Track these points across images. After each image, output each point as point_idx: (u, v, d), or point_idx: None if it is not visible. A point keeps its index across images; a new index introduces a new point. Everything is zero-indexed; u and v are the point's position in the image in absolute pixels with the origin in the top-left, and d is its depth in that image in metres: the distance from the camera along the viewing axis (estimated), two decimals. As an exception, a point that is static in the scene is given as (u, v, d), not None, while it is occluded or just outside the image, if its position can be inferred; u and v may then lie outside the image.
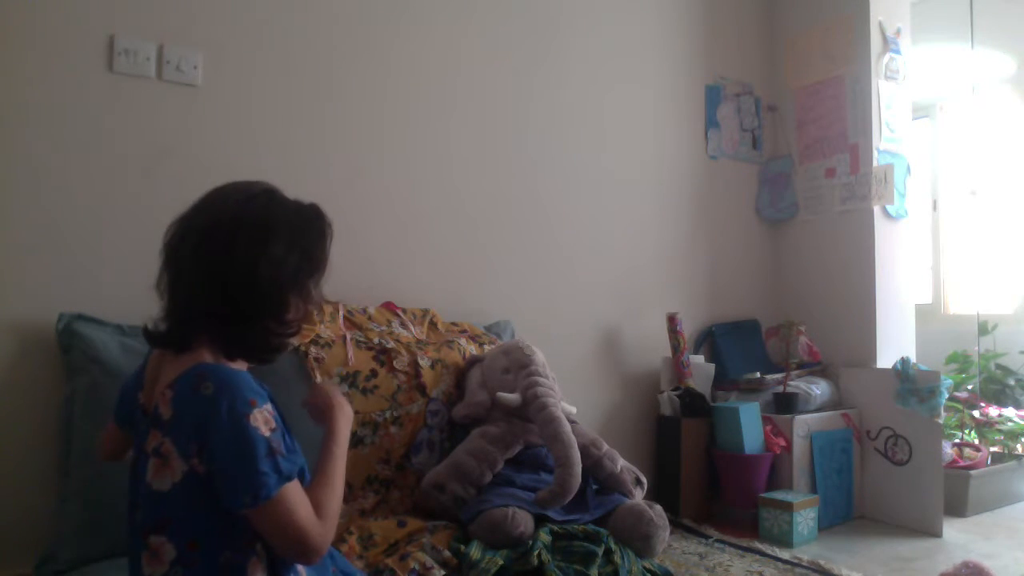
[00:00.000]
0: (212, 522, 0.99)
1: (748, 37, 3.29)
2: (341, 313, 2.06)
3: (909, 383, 2.63)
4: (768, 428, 2.61)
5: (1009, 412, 3.11)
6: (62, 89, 1.80)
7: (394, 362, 2.01)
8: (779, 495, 2.44)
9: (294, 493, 1.00)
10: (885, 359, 2.85)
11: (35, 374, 1.73)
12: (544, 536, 1.69)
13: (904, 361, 2.67)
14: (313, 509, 1.02)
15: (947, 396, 2.62)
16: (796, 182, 3.19)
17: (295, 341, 1.19)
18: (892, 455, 2.68)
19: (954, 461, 2.80)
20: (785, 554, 2.22)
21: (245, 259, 1.04)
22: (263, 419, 0.98)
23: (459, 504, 1.85)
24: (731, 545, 2.31)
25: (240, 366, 1.09)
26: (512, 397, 1.94)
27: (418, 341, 2.13)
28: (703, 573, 2.03)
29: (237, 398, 0.97)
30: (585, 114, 2.76)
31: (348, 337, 1.98)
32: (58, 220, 1.79)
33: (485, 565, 1.60)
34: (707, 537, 2.37)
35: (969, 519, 2.69)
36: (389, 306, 2.21)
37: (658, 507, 1.90)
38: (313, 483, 1.08)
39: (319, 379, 1.81)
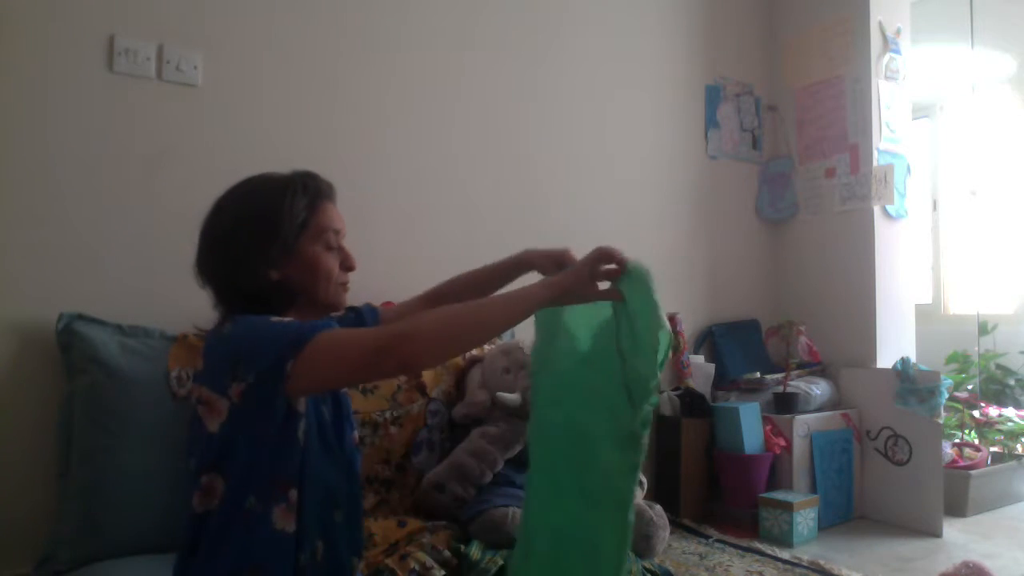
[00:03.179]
0: (246, 462, 1.03)
1: (748, 37, 3.29)
2: (341, 313, 2.06)
3: (909, 383, 2.63)
4: (768, 428, 2.60)
5: (1009, 412, 3.11)
6: (62, 89, 1.80)
7: (394, 362, 2.00)
8: (779, 495, 2.44)
9: (340, 330, 1.04)
10: (885, 359, 2.85)
11: (35, 374, 1.72)
12: (544, 536, 1.68)
13: (904, 361, 2.67)
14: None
15: (947, 396, 2.62)
16: (796, 182, 3.19)
17: (332, 295, 1.19)
18: (892, 455, 2.68)
19: (954, 461, 2.80)
20: (785, 554, 2.22)
21: (208, 251, 1.15)
22: (285, 320, 1.05)
23: (459, 504, 1.85)
24: (731, 545, 2.31)
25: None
26: (512, 397, 1.94)
27: (418, 341, 2.13)
28: (703, 573, 2.03)
29: (253, 318, 1.06)
30: (585, 114, 2.76)
31: (348, 337, 1.98)
32: (58, 220, 1.79)
33: (485, 565, 1.60)
34: (707, 537, 2.37)
35: (969, 519, 2.69)
36: (389, 306, 2.21)
37: (658, 507, 1.90)
38: None
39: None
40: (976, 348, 3.47)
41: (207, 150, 1.97)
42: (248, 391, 1.01)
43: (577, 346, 1.25)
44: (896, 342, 2.93)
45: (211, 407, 1.05)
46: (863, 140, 2.95)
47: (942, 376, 2.59)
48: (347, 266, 1.20)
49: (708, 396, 2.74)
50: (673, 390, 2.71)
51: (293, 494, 1.05)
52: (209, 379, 1.06)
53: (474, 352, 2.20)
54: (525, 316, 1.09)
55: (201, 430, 1.06)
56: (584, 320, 1.24)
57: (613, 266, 1.15)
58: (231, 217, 1.14)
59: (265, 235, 1.12)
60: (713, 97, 3.14)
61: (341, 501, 1.15)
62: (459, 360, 2.15)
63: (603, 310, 1.21)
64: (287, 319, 1.05)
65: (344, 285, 1.20)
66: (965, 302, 3.88)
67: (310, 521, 1.08)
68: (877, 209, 2.92)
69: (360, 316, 1.35)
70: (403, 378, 2.01)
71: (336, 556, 1.13)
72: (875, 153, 2.93)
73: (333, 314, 1.32)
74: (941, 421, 2.60)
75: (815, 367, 2.93)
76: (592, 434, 1.18)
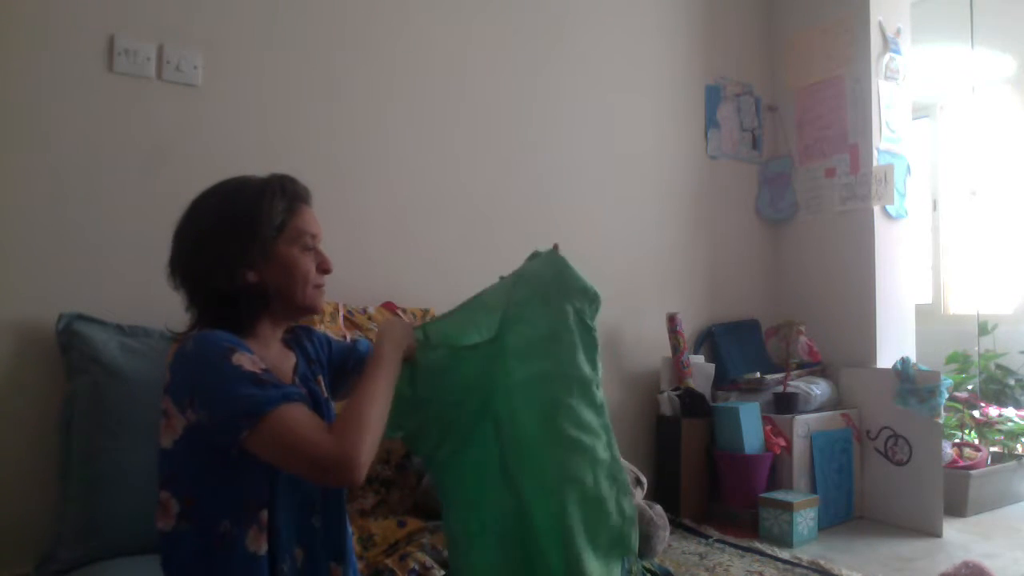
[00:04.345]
0: (211, 481, 1.03)
1: (748, 37, 3.29)
2: (341, 313, 2.06)
3: (909, 383, 2.63)
4: (768, 428, 2.60)
5: (1009, 412, 3.11)
6: (62, 89, 1.80)
7: (394, 362, 2.00)
8: (779, 495, 2.44)
9: (297, 411, 1.00)
10: (885, 359, 2.85)
11: (35, 374, 1.72)
12: (544, 536, 1.68)
13: (904, 361, 2.67)
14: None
15: (947, 396, 2.62)
16: (796, 182, 3.19)
17: (312, 299, 1.21)
18: (892, 455, 2.68)
19: (954, 461, 2.80)
20: (785, 554, 2.22)
21: (184, 252, 1.14)
22: (247, 359, 1.02)
23: (459, 504, 1.85)
24: (731, 545, 2.31)
25: (274, 332, 1.18)
26: (512, 397, 1.94)
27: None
28: (703, 573, 2.03)
29: (213, 345, 1.03)
30: (586, 114, 2.76)
31: (348, 337, 1.98)
32: (58, 220, 1.79)
33: (485, 565, 1.59)
34: (707, 537, 2.37)
35: (969, 519, 2.69)
36: (389, 306, 2.21)
37: (658, 507, 1.90)
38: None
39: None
40: (976, 348, 3.47)
41: (207, 150, 1.97)
42: (201, 427, 1.01)
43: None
44: (896, 342, 2.93)
45: (169, 421, 1.04)
46: (863, 140, 2.96)
47: (942, 376, 2.59)
48: (323, 269, 1.19)
49: (708, 396, 2.74)
50: (673, 390, 2.71)
51: (264, 515, 1.05)
52: (173, 393, 1.05)
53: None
54: (395, 376, 1.16)
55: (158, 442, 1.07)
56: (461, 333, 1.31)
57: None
58: (209, 218, 1.13)
59: (244, 236, 1.11)
60: (713, 97, 3.14)
61: (318, 507, 1.14)
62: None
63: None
64: (245, 368, 1.01)
65: (320, 288, 1.19)
66: (965, 302, 3.88)
67: (284, 533, 1.07)
68: (877, 209, 2.92)
69: (355, 348, 1.35)
70: (403, 378, 2.01)
71: (314, 561, 1.12)
72: (875, 153, 2.93)
73: (333, 337, 1.32)
74: (941, 421, 2.60)
75: (815, 367, 2.93)
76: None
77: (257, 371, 1.01)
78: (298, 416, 0.99)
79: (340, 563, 1.16)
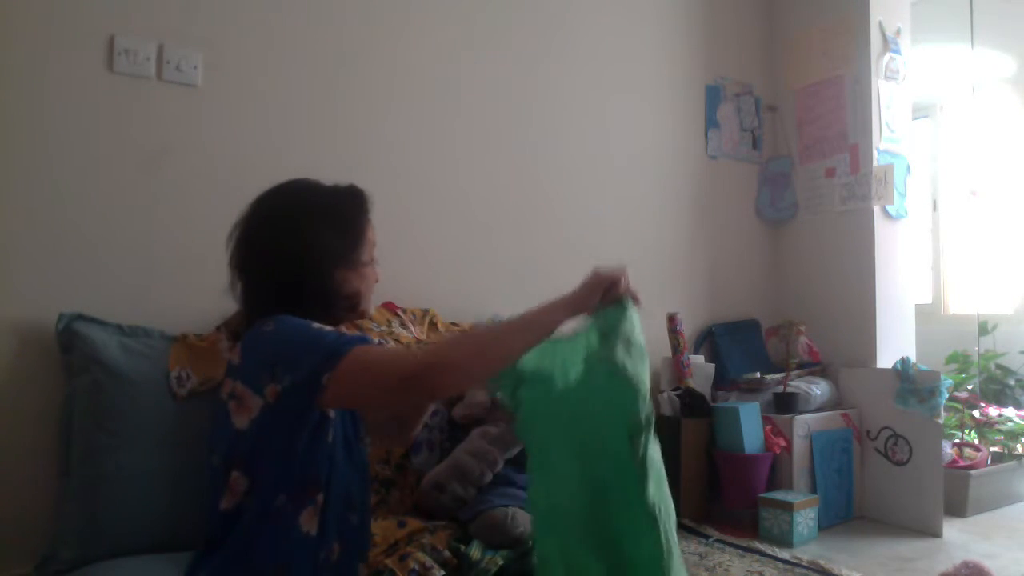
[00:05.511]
0: (280, 459, 1.05)
1: (748, 37, 3.29)
2: (341, 313, 2.07)
3: (909, 383, 2.63)
4: (768, 428, 2.60)
5: (1009, 412, 3.10)
6: (62, 89, 1.80)
7: (394, 362, 2.01)
8: (779, 495, 2.44)
9: (375, 347, 1.05)
10: (885, 359, 2.85)
11: (35, 374, 1.73)
12: (544, 536, 1.68)
13: (904, 361, 2.67)
14: None
15: (947, 396, 2.62)
16: (796, 182, 3.19)
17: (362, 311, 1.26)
18: (892, 455, 2.68)
19: (954, 461, 2.80)
20: (785, 554, 2.22)
21: (286, 247, 1.15)
22: (327, 326, 1.07)
23: (459, 504, 1.85)
24: (731, 545, 2.31)
25: None
26: (512, 397, 1.94)
27: (418, 341, 2.13)
28: (703, 573, 2.03)
29: (296, 320, 1.08)
30: (586, 114, 2.76)
31: (348, 337, 1.98)
32: (58, 220, 1.79)
33: (485, 565, 1.60)
34: (707, 537, 2.37)
35: (969, 519, 2.68)
36: (389, 306, 2.21)
37: (658, 507, 1.88)
38: None
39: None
40: (976, 348, 3.47)
41: (207, 150, 1.97)
42: (284, 394, 1.03)
43: (554, 386, 1.27)
44: (896, 342, 2.93)
45: (243, 403, 1.06)
46: (863, 140, 2.95)
47: (942, 376, 2.59)
48: (375, 279, 1.28)
49: (708, 396, 2.74)
50: (673, 390, 2.71)
51: (320, 497, 1.07)
52: (245, 375, 1.07)
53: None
54: (545, 337, 1.15)
55: (227, 425, 1.07)
56: (560, 357, 1.29)
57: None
58: (311, 216, 1.17)
59: (347, 239, 1.18)
60: (713, 97, 3.14)
61: (356, 504, 1.16)
62: (459, 360, 2.15)
63: (577, 343, 1.30)
64: (327, 327, 1.07)
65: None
66: (965, 302, 3.88)
67: (331, 523, 1.09)
68: (877, 209, 2.92)
69: None
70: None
71: (350, 558, 1.14)
72: (875, 153, 2.93)
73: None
74: (941, 421, 2.60)
75: (815, 367, 2.93)
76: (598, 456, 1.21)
77: (336, 330, 1.07)
78: (377, 349, 1.04)
79: (365, 563, 1.19)
